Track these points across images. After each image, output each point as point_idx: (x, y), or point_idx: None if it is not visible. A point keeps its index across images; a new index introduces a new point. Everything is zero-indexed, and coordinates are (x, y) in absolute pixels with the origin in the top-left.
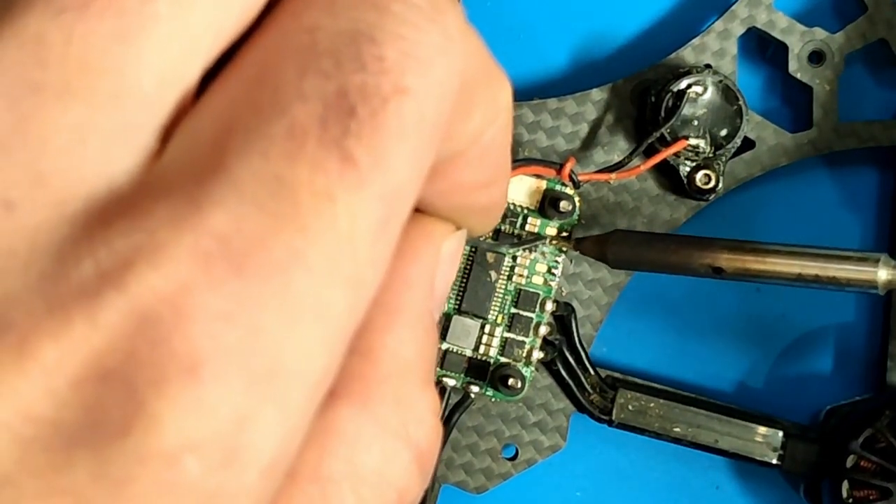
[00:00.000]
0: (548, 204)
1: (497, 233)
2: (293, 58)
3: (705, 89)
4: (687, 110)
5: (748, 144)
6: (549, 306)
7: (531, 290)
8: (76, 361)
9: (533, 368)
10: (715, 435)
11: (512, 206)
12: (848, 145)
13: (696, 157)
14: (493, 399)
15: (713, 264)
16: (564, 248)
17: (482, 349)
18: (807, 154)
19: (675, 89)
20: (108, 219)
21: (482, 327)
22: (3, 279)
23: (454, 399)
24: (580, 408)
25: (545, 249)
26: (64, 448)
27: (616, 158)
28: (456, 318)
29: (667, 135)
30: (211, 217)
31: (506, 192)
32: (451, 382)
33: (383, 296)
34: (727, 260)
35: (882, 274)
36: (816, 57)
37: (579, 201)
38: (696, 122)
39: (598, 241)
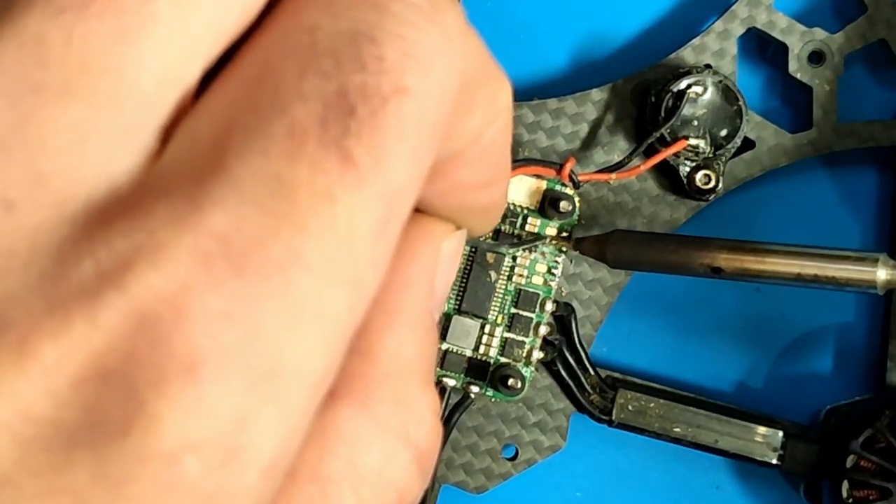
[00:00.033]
0: (548, 204)
1: (497, 233)
2: (293, 58)
3: (705, 89)
4: (687, 110)
5: (748, 144)
6: (549, 306)
7: (531, 290)
8: (76, 361)
9: (533, 368)
10: (715, 435)
11: (512, 206)
12: (848, 145)
13: (696, 158)
14: (493, 399)
15: (712, 264)
16: (564, 248)
17: (482, 349)
18: (807, 154)
19: (675, 89)
20: (108, 219)
21: (482, 327)
22: (3, 279)
23: (454, 399)
24: (580, 408)
25: (545, 249)
26: (64, 448)
27: (616, 158)
28: (456, 318)
29: (667, 135)
30: (211, 217)
31: (506, 192)
32: (451, 382)
33: (383, 296)
34: (726, 260)
35: (881, 274)
36: (816, 57)
37: (579, 201)
38: (696, 123)
39: (598, 241)
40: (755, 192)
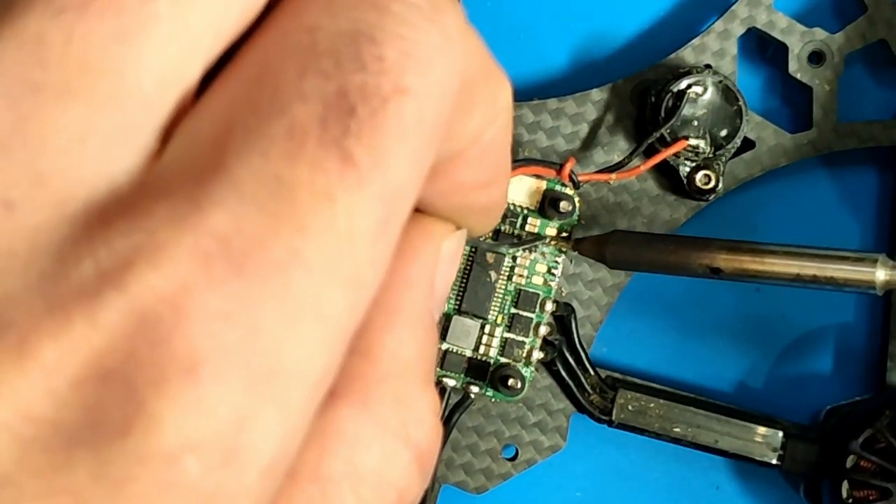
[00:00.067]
0: (548, 204)
1: (497, 233)
2: (293, 58)
3: (705, 89)
4: (687, 110)
5: (748, 144)
6: (549, 306)
7: (531, 290)
8: (76, 361)
9: (533, 369)
10: (715, 435)
11: (512, 207)
12: (848, 145)
13: (696, 158)
14: (493, 399)
15: (711, 265)
16: (564, 249)
17: (482, 349)
18: (807, 154)
19: (675, 89)
20: (108, 219)
21: (482, 327)
22: (3, 279)
23: (454, 399)
24: (580, 408)
25: (545, 250)
26: (64, 448)
27: (616, 158)
28: (456, 319)
29: (667, 135)
30: (211, 217)
31: (506, 192)
32: (451, 382)
33: (383, 296)
34: (725, 260)
35: (880, 274)
36: (816, 57)
37: (579, 201)
38: (696, 123)
39: (597, 241)
40: (755, 192)
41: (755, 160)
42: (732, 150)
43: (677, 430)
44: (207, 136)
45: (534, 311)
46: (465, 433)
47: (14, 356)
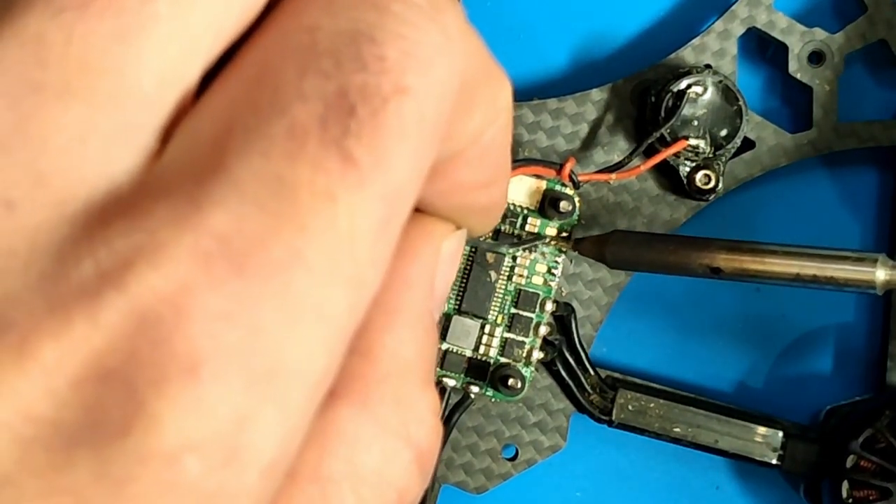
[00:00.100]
0: (548, 204)
1: (497, 233)
2: (293, 58)
3: (705, 89)
4: (687, 110)
5: (748, 144)
6: (549, 306)
7: (531, 290)
8: (76, 361)
9: (533, 368)
10: (715, 435)
11: (512, 207)
12: (848, 145)
13: (696, 158)
14: (493, 399)
15: (711, 265)
16: (564, 249)
17: (482, 349)
18: (807, 154)
19: (675, 89)
20: (109, 219)
21: (482, 327)
22: (3, 279)
23: (454, 399)
24: (580, 408)
25: (545, 250)
26: (64, 448)
27: (616, 158)
28: (456, 318)
29: (667, 135)
30: (211, 217)
31: (506, 192)
32: (451, 382)
33: (383, 295)
34: (725, 260)
35: (880, 274)
36: (816, 57)
37: (579, 201)
38: (696, 123)
39: (597, 241)
40: (755, 192)
41: (755, 160)
42: (732, 150)
43: (677, 430)
44: (208, 136)
45: (534, 311)
46: (465, 433)
47: (14, 356)
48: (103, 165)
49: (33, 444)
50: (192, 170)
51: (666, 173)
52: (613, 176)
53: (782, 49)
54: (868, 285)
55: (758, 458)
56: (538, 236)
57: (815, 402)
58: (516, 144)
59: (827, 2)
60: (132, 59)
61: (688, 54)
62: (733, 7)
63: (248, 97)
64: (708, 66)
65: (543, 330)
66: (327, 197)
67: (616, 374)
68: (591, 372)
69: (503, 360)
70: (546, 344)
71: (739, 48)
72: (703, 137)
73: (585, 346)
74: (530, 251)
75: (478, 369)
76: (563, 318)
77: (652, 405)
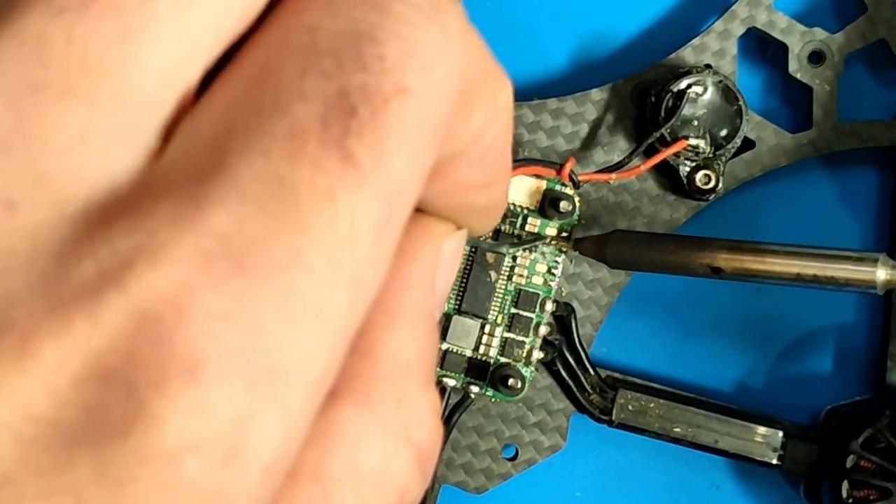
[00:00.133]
0: (548, 204)
1: (497, 233)
2: (294, 58)
3: (705, 89)
4: (687, 110)
5: (748, 144)
6: (549, 306)
7: (531, 290)
8: (77, 361)
9: (533, 368)
10: (715, 435)
11: (512, 206)
12: (848, 145)
13: (696, 157)
14: (493, 399)
15: (712, 264)
16: (564, 248)
17: (482, 349)
18: (807, 154)
19: (675, 89)
20: (109, 218)
21: (482, 327)
22: (3, 279)
23: (454, 399)
24: (580, 408)
25: (545, 249)
26: (65, 448)
27: (616, 158)
28: (456, 318)
29: (667, 135)
30: (212, 217)
31: (506, 192)
32: (451, 382)
33: (384, 295)
34: (726, 260)
35: (880, 274)
36: (816, 57)
37: (579, 201)
38: (696, 122)
39: (598, 241)
40: (755, 192)
41: (755, 160)
42: (732, 150)
43: (677, 430)
44: (208, 136)
45: (534, 311)
46: (465, 433)
47: (15, 356)
48: (103, 165)
49: (34, 444)
50: (193, 170)
51: (666, 173)
52: (613, 176)
53: (782, 49)
54: (868, 285)
55: (758, 458)
56: (538, 236)
57: (815, 402)
58: (516, 144)
59: (827, 2)
60: (133, 59)
61: (688, 54)
62: (733, 7)
63: (249, 97)
64: (708, 66)
65: (543, 330)
66: (327, 197)
67: (616, 374)
68: (591, 372)
69: (503, 360)
70: (546, 344)
71: (739, 48)
72: (703, 137)
73: (585, 346)
74: (530, 251)
75: (478, 369)
76: (563, 318)
77: (652, 405)
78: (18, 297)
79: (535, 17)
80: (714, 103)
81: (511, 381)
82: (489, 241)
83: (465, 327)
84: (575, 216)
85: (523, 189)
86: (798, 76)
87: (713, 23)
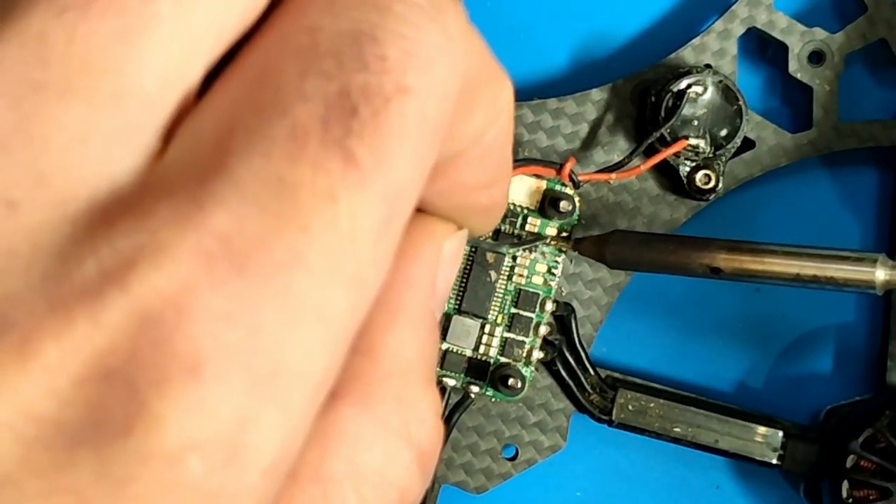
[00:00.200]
0: (548, 204)
1: (497, 233)
2: (294, 58)
3: (705, 89)
4: (687, 110)
5: (748, 144)
6: (549, 306)
7: (531, 290)
8: (78, 361)
9: (533, 368)
10: (715, 435)
11: (512, 206)
12: (848, 145)
13: (696, 157)
14: (493, 399)
15: (711, 264)
16: (564, 249)
17: (482, 349)
18: (807, 154)
19: (675, 89)
20: (111, 218)
21: (482, 327)
22: (5, 279)
23: (454, 399)
24: (580, 408)
25: (545, 249)
26: (66, 447)
27: (616, 158)
28: (456, 318)
29: (667, 135)
30: (213, 217)
31: (507, 192)
32: (451, 382)
33: (385, 295)
34: (725, 260)
35: (880, 274)
36: (816, 57)
37: (579, 201)
38: (696, 122)
39: (597, 241)
40: (755, 192)
41: (755, 160)
42: (732, 150)
43: (677, 430)
44: (209, 137)
45: (534, 311)
46: (465, 433)
47: (16, 356)
48: (104, 165)
49: (35, 443)
50: (194, 170)
51: (666, 173)
52: (613, 176)
53: (782, 49)
54: (868, 285)
55: (758, 458)
56: (538, 236)
57: (815, 402)
58: (516, 144)
59: (827, 2)
60: (134, 59)
61: (688, 54)
62: (733, 7)
63: (250, 97)
64: (708, 66)
65: (543, 330)
66: (328, 197)
67: (616, 374)
68: (591, 372)
69: (503, 359)
70: (546, 344)
71: (739, 48)
72: (703, 137)
73: (585, 346)
74: (530, 251)
75: (478, 369)
76: (563, 318)
77: (652, 405)
78: (20, 296)
79: (535, 17)
80: (714, 103)
81: (511, 381)
82: (489, 241)
83: (465, 327)
84: (575, 216)
85: (523, 189)
86: (798, 76)
87: (713, 23)
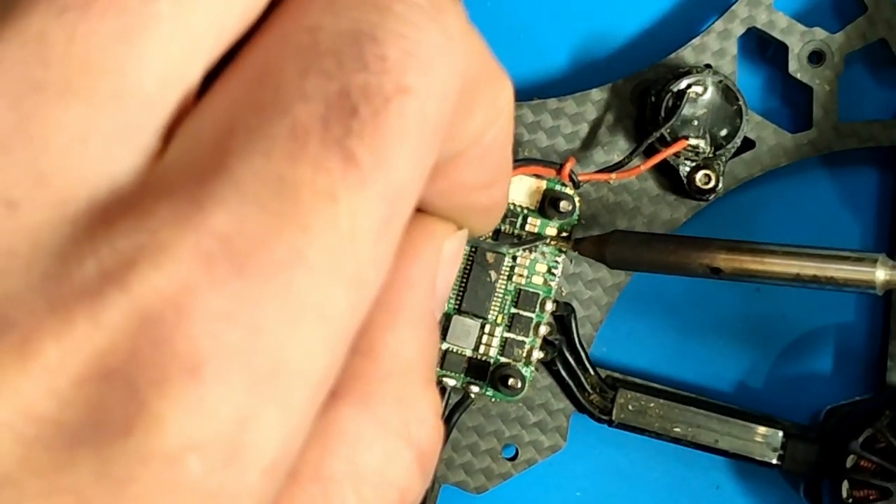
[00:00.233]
0: (548, 204)
1: (497, 233)
2: (295, 58)
3: (705, 89)
4: (687, 110)
5: (748, 144)
6: (549, 306)
7: (531, 290)
8: (78, 361)
9: (533, 368)
10: (715, 435)
11: (512, 206)
12: (848, 145)
13: (696, 157)
14: (493, 399)
15: (711, 265)
16: (564, 249)
17: (482, 349)
18: (807, 154)
19: (675, 89)
20: (111, 218)
21: (482, 327)
22: (5, 279)
23: (454, 399)
24: (580, 408)
25: (545, 249)
26: (66, 447)
27: (616, 158)
28: (456, 318)
29: (667, 135)
30: (213, 217)
31: (507, 192)
32: (451, 382)
33: (385, 295)
34: (725, 260)
35: (880, 274)
36: (816, 57)
37: (579, 201)
38: (696, 122)
39: (597, 241)
40: (755, 192)
41: (755, 160)
42: (732, 150)
43: (677, 430)
44: (209, 136)
45: (534, 311)
46: (465, 433)
47: (16, 356)
48: (104, 165)
49: (35, 443)
50: (194, 170)
51: (666, 173)
52: (613, 176)
53: (782, 49)
54: (868, 285)
55: (758, 458)
56: (538, 236)
57: (815, 402)
58: (516, 144)
59: (827, 2)
60: (134, 59)
61: (688, 54)
62: (733, 7)
63: (250, 97)
64: (708, 66)
65: (543, 330)
66: (329, 197)
67: (616, 374)
68: (591, 372)
69: (503, 359)
70: (546, 344)
71: (739, 48)
72: (703, 137)
73: (585, 346)
74: (530, 251)
75: (478, 369)
76: (563, 318)
77: (652, 405)
78: (20, 296)
79: (535, 17)
80: (714, 103)
81: (511, 381)
82: (489, 241)
83: (465, 327)
84: (575, 216)
85: (523, 189)
86: (798, 76)
87: (713, 23)
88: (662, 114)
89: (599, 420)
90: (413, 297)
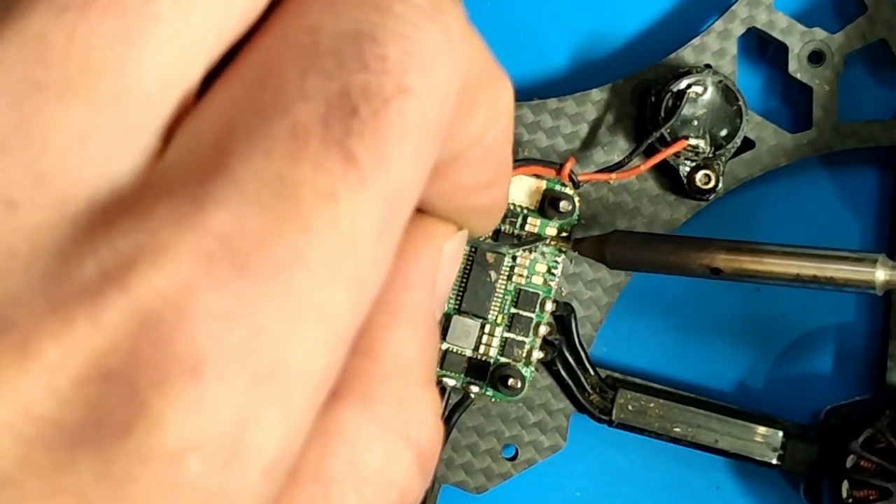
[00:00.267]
0: (548, 204)
1: (497, 233)
2: (295, 58)
3: (705, 89)
4: (687, 110)
5: (748, 144)
6: (549, 306)
7: (531, 290)
8: (78, 361)
9: (533, 368)
10: (715, 435)
11: (512, 206)
12: (848, 145)
13: (696, 157)
14: (493, 399)
15: (711, 265)
16: (564, 249)
17: (482, 349)
18: (807, 154)
19: (675, 89)
20: (111, 218)
21: (482, 327)
22: (5, 279)
23: (454, 399)
24: (580, 408)
25: (545, 249)
26: (66, 447)
27: (616, 158)
28: (456, 318)
29: (667, 135)
30: (213, 217)
31: (507, 193)
32: (451, 382)
33: (385, 295)
34: (725, 260)
35: (880, 274)
36: (816, 57)
37: (579, 201)
38: (696, 122)
39: (597, 241)
40: (755, 192)
41: (755, 160)
42: (732, 150)
43: (677, 430)
44: (209, 136)
45: (534, 311)
46: (465, 433)
47: (16, 356)
48: (104, 165)
49: (35, 443)
50: (194, 170)
51: (666, 173)
52: (613, 176)
53: (782, 49)
54: (868, 285)
55: (758, 458)
56: (538, 236)
57: (815, 402)
58: (516, 144)
59: (827, 2)
60: (134, 59)
61: (688, 54)
62: (733, 7)
63: (250, 97)
64: (708, 66)
65: (543, 330)
66: (329, 197)
67: (616, 374)
68: (591, 372)
69: (503, 359)
70: (546, 344)
71: (739, 48)
72: (703, 137)
73: (585, 346)
74: (530, 251)
75: (478, 369)
76: (563, 318)
77: (652, 405)
78: (19, 296)
79: (535, 17)
80: (714, 103)
81: (511, 381)
82: (489, 241)
83: (465, 327)
84: (575, 216)
85: (523, 189)
86: (798, 76)
87: (713, 23)
88: (662, 114)
89: (599, 420)
90: (413, 297)
